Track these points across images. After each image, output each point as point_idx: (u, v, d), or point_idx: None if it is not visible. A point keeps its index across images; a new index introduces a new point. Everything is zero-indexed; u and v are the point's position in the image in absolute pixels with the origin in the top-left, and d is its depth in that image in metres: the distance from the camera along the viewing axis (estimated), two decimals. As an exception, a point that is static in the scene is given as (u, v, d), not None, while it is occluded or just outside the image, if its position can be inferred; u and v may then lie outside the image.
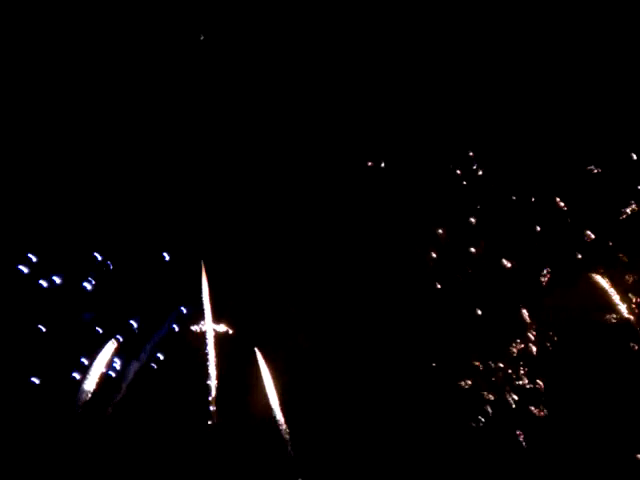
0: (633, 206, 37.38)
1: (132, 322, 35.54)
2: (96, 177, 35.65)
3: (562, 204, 38.04)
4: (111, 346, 35.22)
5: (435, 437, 36.30)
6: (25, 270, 34.32)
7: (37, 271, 34.63)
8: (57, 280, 34.85)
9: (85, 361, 34.97)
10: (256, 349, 35.34)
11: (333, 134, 37.70)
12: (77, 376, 34.68)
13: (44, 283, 34.65)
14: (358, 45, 37.37)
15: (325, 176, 37.33)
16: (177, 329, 35.98)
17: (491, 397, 37.24)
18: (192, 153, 36.71)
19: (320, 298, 36.87)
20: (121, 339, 35.33)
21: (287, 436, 35.06)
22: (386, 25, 37.43)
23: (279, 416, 35.15)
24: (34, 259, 34.42)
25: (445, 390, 36.99)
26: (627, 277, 36.95)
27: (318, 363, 36.42)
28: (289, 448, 35.08)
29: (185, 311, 36.19)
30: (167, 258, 36.02)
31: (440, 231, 38.11)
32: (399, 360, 36.87)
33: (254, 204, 36.89)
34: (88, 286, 35.24)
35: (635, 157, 37.55)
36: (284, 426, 35.07)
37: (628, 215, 37.43)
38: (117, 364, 35.22)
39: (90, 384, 34.61)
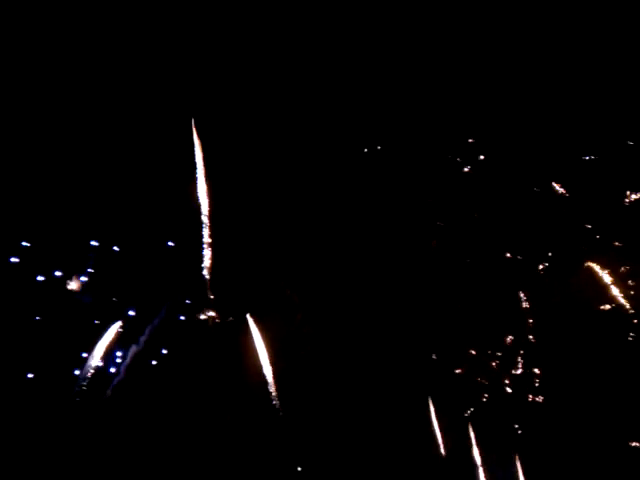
0: (629, 196, 37.68)
1: (131, 308, 35.62)
2: (94, 169, 35.60)
3: (560, 194, 38.29)
4: (110, 331, 35.26)
5: (428, 419, 36.64)
6: (26, 257, 34.39)
7: (39, 259, 34.70)
8: (58, 268, 34.90)
9: (85, 345, 35.00)
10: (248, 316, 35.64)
11: (333, 124, 37.82)
12: (77, 360, 34.76)
13: (47, 270, 34.76)
14: (360, 43, 37.46)
15: (321, 159, 37.45)
16: (174, 315, 36.10)
17: (488, 384, 37.51)
18: (191, 141, 36.66)
19: (318, 280, 37.05)
20: (120, 324, 35.42)
21: (278, 403, 35.41)
22: (387, 23, 37.55)
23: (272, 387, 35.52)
24: (35, 250, 34.49)
25: (441, 375, 37.27)
26: (623, 266, 37.26)
27: (317, 346, 36.69)
28: (280, 414, 35.44)
29: (181, 298, 36.35)
30: (165, 247, 36.11)
31: (439, 219, 38.36)
32: (393, 341, 37.17)
33: (253, 188, 36.98)
34: (89, 273, 35.29)
35: (632, 149, 37.81)
36: (275, 395, 35.42)
37: (624, 205, 37.73)
38: (116, 348, 35.27)
39: (90, 368, 34.69)
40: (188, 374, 35.68)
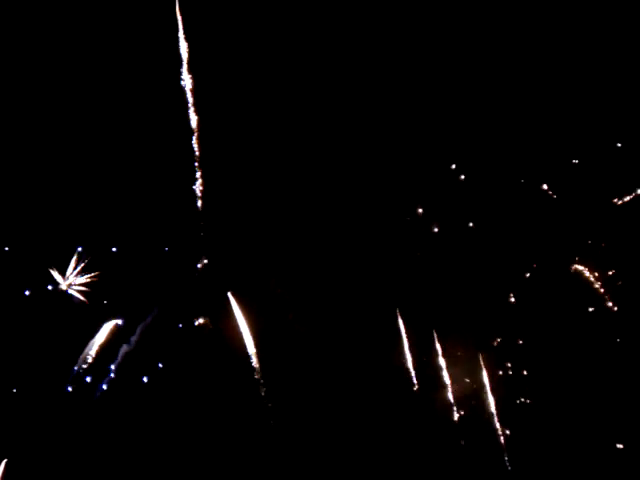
0: (618, 199, 37.89)
1: (122, 307, 36.00)
2: (84, 171, 35.75)
3: (547, 199, 38.50)
4: (102, 331, 35.65)
5: (414, 418, 36.92)
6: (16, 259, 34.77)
7: (28, 261, 35.07)
8: (49, 268, 35.24)
9: (76, 346, 35.38)
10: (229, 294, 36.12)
11: (327, 129, 37.87)
12: (68, 361, 35.15)
13: (37, 270, 35.11)
14: (358, 45, 37.56)
15: (312, 160, 37.55)
16: (165, 315, 36.46)
17: (475, 386, 37.75)
18: (184, 145, 36.75)
19: (309, 279, 37.30)
20: (111, 324, 35.81)
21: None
22: (385, 25, 37.60)
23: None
24: (24, 252, 34.84)
25: (429, 377, 37.51)
26: (611, 268, 37.50)
27: (309, 344, 36.99)
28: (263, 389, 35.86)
29: (173, 299, 36.69)
30: (157, 247, 36.37)
31: (429, 223, 38.58)
32: (383, 342, 37.48)
33: (245, 187, 37.19)
34: (79, 272, 35.62)
35: (620, 151, 38.01)
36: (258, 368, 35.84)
37: (613, 208, 37.93)
38: (108, 348, 35.64)
39: (81, 368, 35.08)
40: (180, 376, 36.04)
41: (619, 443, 36.11)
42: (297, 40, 36.79)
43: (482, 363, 37.44)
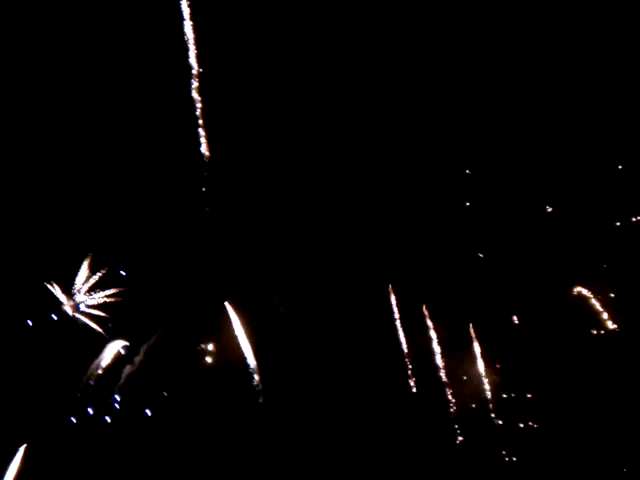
0: (618, 222, 37.93)
1: (126, 328, 36.26)
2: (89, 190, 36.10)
3: (551, 220, 38.60)
4: (105, 352, 35.91)
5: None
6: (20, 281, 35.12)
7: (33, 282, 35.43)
8: (53, 289, 35.55)
9: (81, 366, 35.63)
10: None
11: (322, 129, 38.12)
12: (73, 381, 35.38)
13: (42, 292, 35.47)
14: (360, 47, 37.59)
15: (313, 173, 37.74)
16: (169, 336, 36.67)
17: (478, 409, 37.70)
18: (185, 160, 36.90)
19: (308, 293, 37.50)
20: (115, 345, 36.07)
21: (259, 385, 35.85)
22: (386, 28, 37.81)
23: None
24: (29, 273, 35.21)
25: (432, 401, 37.53)
26: (612, 291, 37.49)
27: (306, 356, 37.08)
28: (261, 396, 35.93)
29: (176, 319, 36.92)
30: (159, 268, 36.62)
31: (434, 239, 38.75)
32: (383, 361, 37.58)
33: (246, 201, 37.41)
34: (84, 294, 35.94)
35: (624, 175, 38.10)
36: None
37: (614, 231, 37.98)
38: (111, 368, 35.88)
39: (85, 388, 35.30)
40: (184, 396, 36.17)
41: (620, 456, 35.90)
42: (301, 45, 36.97)
43: (486, 383, 37.50)
